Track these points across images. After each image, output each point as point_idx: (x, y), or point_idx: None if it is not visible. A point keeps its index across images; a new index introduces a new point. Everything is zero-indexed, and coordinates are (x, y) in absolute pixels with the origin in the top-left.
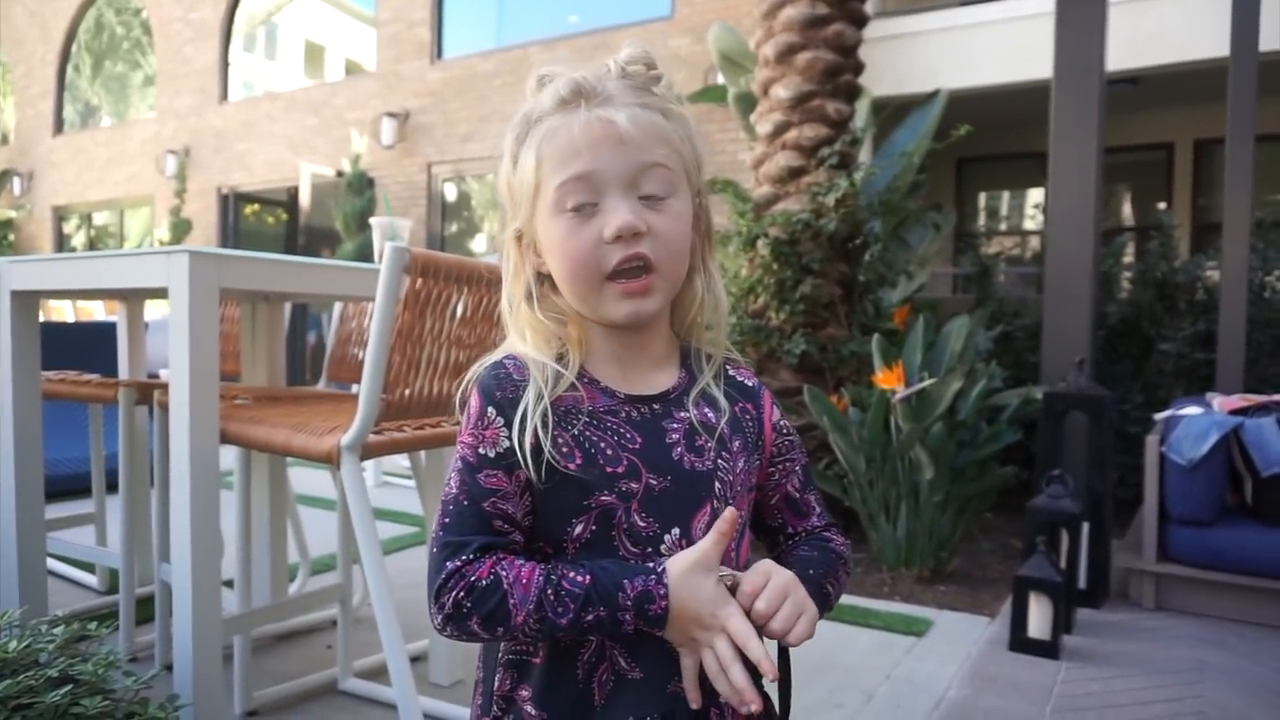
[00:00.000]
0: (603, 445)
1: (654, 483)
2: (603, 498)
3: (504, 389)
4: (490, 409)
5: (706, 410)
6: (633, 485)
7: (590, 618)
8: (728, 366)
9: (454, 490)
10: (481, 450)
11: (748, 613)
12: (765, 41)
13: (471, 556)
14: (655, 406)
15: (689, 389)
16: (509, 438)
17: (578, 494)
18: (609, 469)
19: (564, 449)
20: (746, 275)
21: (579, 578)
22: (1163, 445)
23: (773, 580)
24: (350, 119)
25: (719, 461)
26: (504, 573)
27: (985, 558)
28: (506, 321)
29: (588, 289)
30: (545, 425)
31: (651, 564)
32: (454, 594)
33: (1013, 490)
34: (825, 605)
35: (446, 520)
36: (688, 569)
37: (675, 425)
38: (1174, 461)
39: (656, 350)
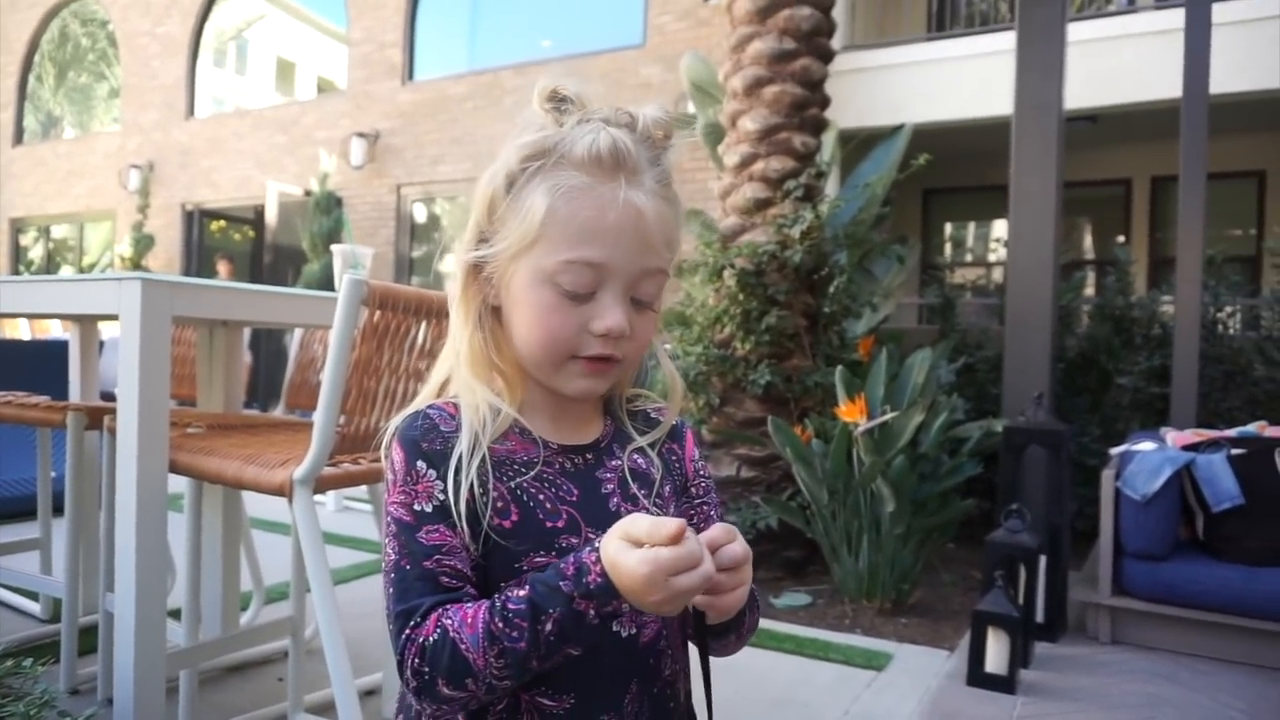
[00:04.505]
0: (541, 498)
1: (593, 536)
2: (536, 559)
3: (430, 440)
4: (419, 462)
5: (637, 458)
6: (572, 540)
7: (548, 627)
8: (649, 410)
9: (393, 557)
10: (417, 506)
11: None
12: (734, 74)
13: (418, 620)
14: (588, 456)
15: (616, 437)
16: (444, 491)
17: (511, 556)
18: (548, 523)
19: (499, 504)
20: (713, 305)
21: (519, 593)
22: (1117, 480)
23: (738, 541)
24: (320, 138)
25: (653, 508)
26: (449, 621)
27: (947, 589)
28: (452, 333)
29: (550, 362)
30: (483, 478)
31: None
32: (411, 663)
33: (975, 520)
34: (741, 627)
35: (391, 590)
36: (613, 532)
37: (609, 475)
38: (1128, 496)
39: (587, 403)
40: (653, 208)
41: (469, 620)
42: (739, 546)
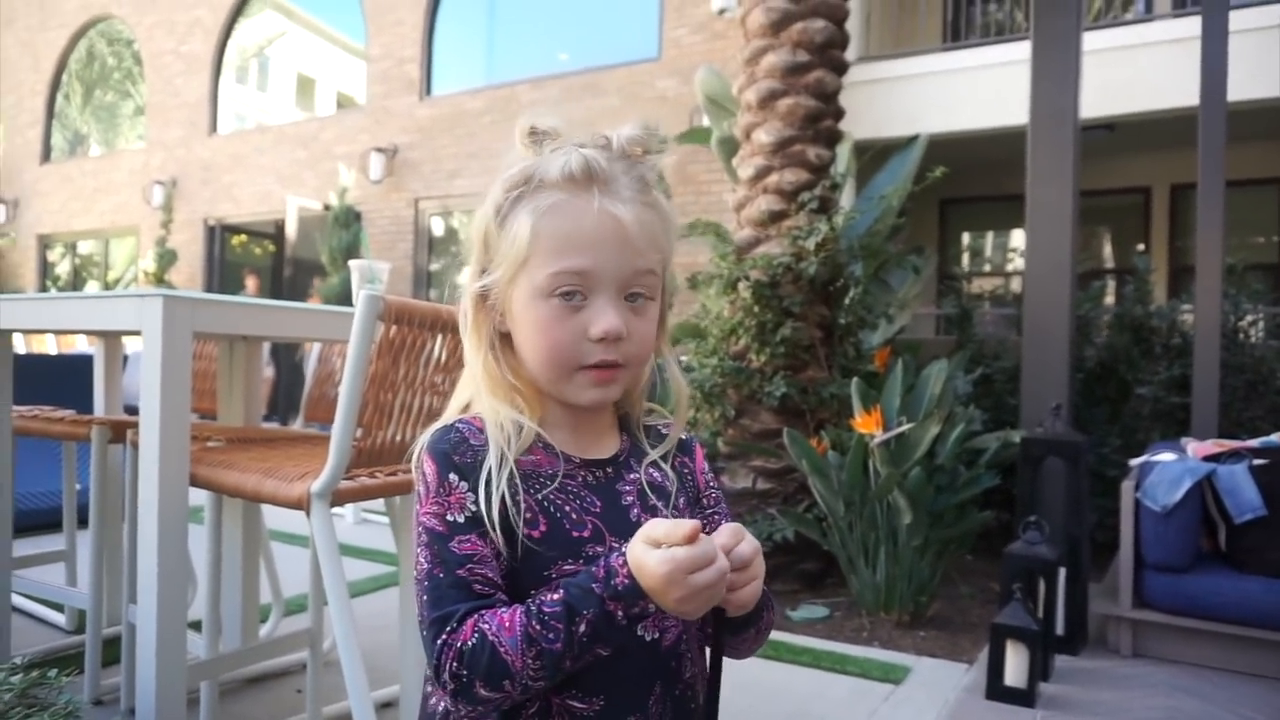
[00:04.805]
0: (567, 509)
1: (617, 546)
2: (565, 567)
3: (461, 453)
4: (451, 474)
5: (653, 472)
6: (597, 549)
7: (582, 628)
8: (659, 427)
9: (426, 565)
10: (450, 517)
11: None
12: (747, 87)
13: (455, 625)
14: (608, 470)
15: (633, 452)
16: (475, 502)
17: (541, 564)
18: (575, 533)
19: (528, 515)
20: (728, 317)
21: (554, 596)
22: (1137, 491)
23: (746, 540)
24: (339, 153)
25: (671, 518)
26: (487, 626)
27: (965, 602)
28: (468, 360)
29: (558, 375)
30: (512, 490)
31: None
32: (449, 667)
33: (994, 532)
34: (759, 623)
35: (425, 598)
36: (637, 536)
37: (628, 488)
38: (1149, 508)
39: (604, 418)
40: (631, 213)
41: (506, 624)
42: (747, 546)
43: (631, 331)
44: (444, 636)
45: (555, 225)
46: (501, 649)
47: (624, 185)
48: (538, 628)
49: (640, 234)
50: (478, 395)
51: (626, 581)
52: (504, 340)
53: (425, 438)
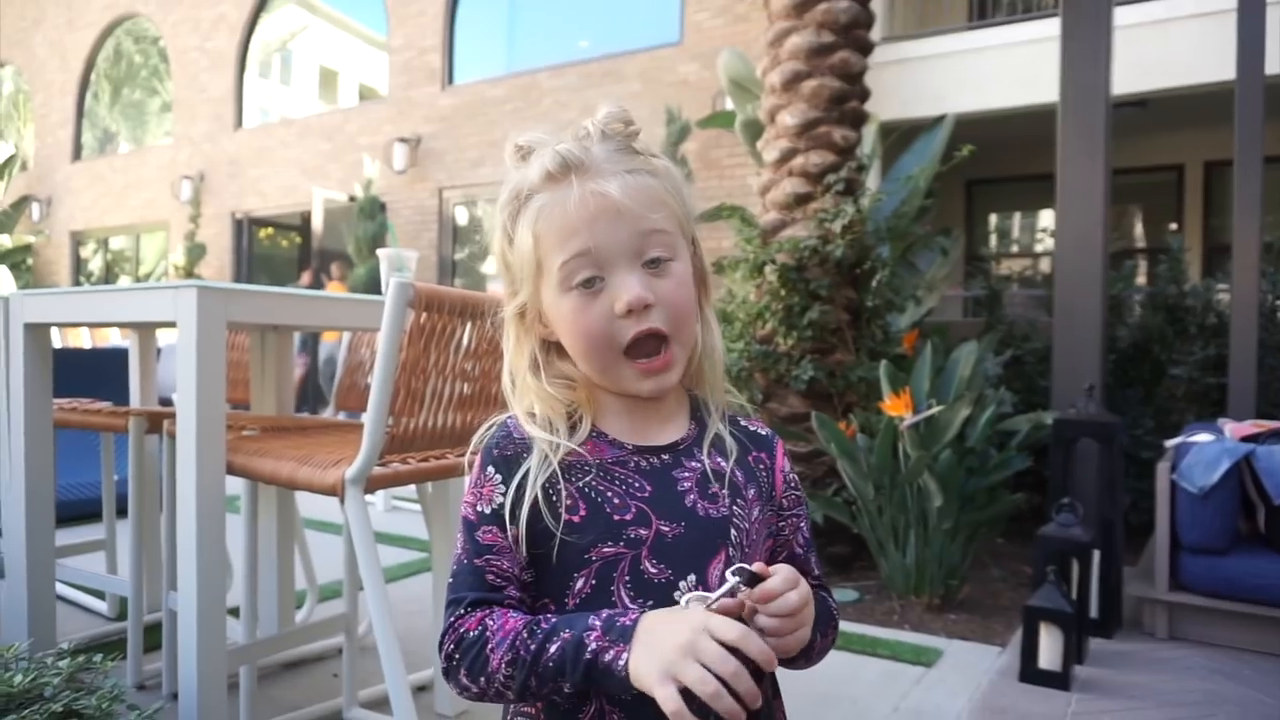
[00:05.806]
0: (609, 495)
1: (665, 529)
2: (604, 549)
3: (503, 447)
4: (490, 467)
5: (719, 459)
6: (641, 532)
7: (553, 648)
8: (739, 418)
9: (458, 550)
10: (479, 507)
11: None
12: (772, 69)
13: (463, 611)
14: (665, 456)
15: (699, 439)
16: (504, 494)
17: (580, 547)
18: (615, 516)
19: (568, 502)
20: (754, 301)
21: (554, 617)
22: (1173, 473)
23: (803, 584)
24: (363, 144)
25: (734, 508)
26: (491, 623)
27: (996, 585)
28: (508, 395)
29: (605, 363)
30: (549, 496)
31: None
32: (446, 647)
33: (1026, 515)
34: (810, 651)
35: (451, 580)
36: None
37: (686, 474)
38: (1185, 489)
39: (667, 405)
40: (617, 185)
41: (507, 627)
42: (795, 595)
43: (660, 295)
44: (452, 619)
45: (548, 223)
46: (489, 647)
47: (604, 162)
48: (525, 636)
49: (632, 199)
50: (526, 413)
51: (627, 623)
52: (557, 349)
53: (480, 433)
